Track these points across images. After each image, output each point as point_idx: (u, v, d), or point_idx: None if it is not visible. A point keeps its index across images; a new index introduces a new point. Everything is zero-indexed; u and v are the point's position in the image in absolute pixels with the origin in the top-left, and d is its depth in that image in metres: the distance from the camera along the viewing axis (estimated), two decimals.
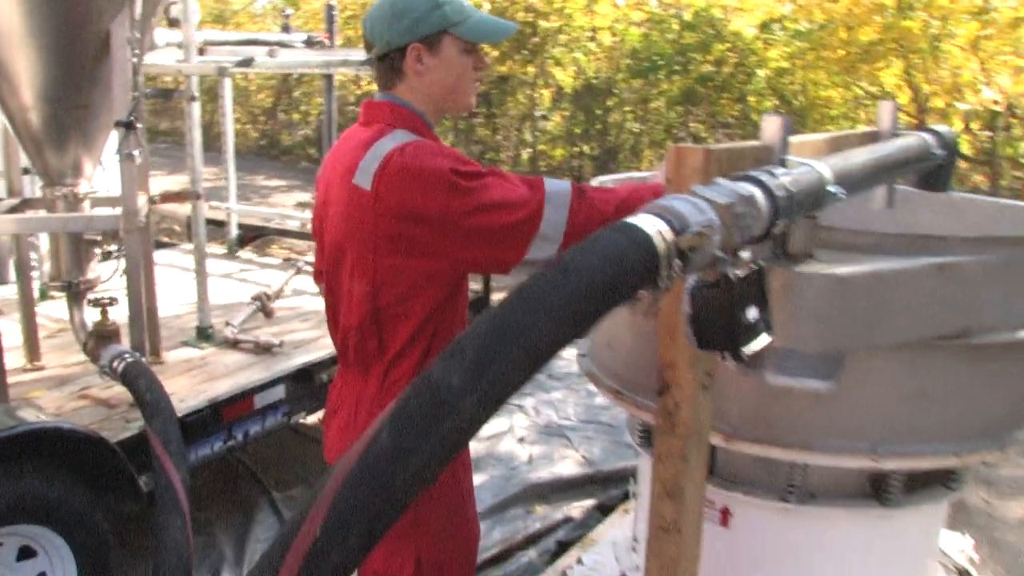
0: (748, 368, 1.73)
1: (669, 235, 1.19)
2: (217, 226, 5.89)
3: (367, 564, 2.08)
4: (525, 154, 15.85)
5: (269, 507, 3.98)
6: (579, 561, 2.60)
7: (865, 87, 12.88)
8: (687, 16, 13.81)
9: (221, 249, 5.89)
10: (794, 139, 2.11)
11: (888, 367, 1.91)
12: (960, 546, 2.74)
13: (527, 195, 1.91)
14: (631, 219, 1.19)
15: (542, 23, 14.47)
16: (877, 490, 2.18)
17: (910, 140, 2.15)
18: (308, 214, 6.20)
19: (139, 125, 3.01)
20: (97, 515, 2.78)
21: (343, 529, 0.94)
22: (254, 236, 6.08)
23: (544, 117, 15.92)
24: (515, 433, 4.79)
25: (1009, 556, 4.10)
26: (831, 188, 1.61)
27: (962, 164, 12.42)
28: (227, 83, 5.19)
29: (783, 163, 1.66)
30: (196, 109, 4.07)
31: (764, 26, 13.35)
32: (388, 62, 2.05)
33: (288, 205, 11.55)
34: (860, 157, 1.81)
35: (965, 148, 12.51)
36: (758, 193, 1.39)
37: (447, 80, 2.04)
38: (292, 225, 6.18)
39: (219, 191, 5.90)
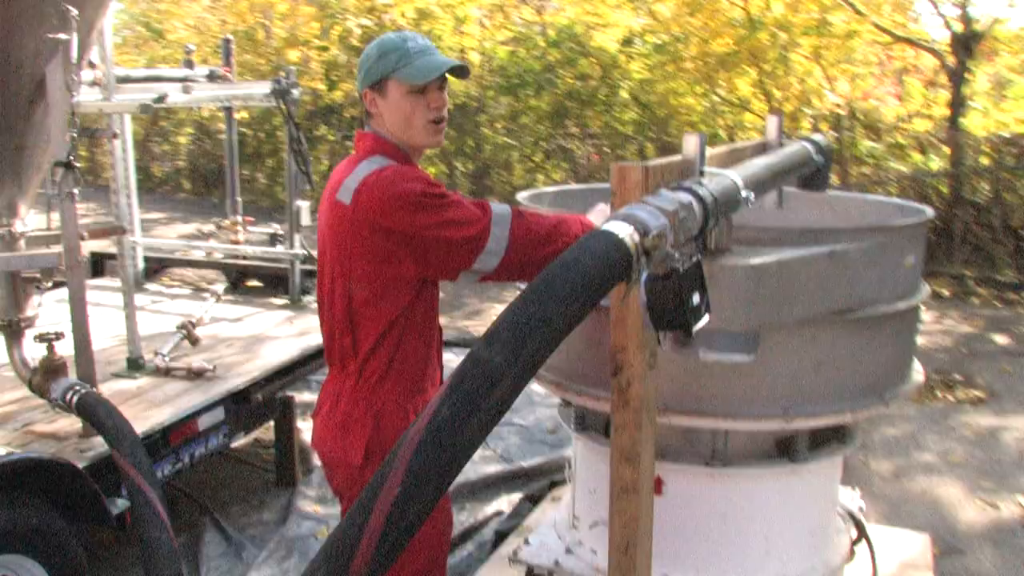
0: (684, 347, 2.05)
1: (636, 238, 1.48)
2: (113, 259, 5.90)
3: None
4: None
5: (215, 528, 4.09)
6: (526, 542, 2.86)
7: (722, 95, 13.67)
8: (551, 34, 14.31)
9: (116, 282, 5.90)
10: (711, 150, 2.45)
11: (795, 340, 2.25)
12: (850, 497, 3.13)
13: (478, 215, 2.21)
14: (607, 226, 1.47)
15: None
16: (786, 450, 2.53)
17: (795, 148, 2.52)
18: (212, 243, 6.28)
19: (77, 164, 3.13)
20: (71, 540, 2.89)
21: (419, 486, 1.18)
22: (159, 267, 6.12)
23: None
24: None
25: (886, 505, 4.60)
26: (743, 193, 1.94)
27: None
28: (127, 118, 5.24)
29: (702, 174, 1.99)
30: (119, 146, 4.14)
31: (626, 41, 13.97)
32: (362, 104, 2.40)
33: (172, 237, 11.39)
34: (762, 165, 2.15)
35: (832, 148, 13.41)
36: (693, 200, 1.70)
37: (398, 120, 2.34)
38: (198, 255, 6.26)
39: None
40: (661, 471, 2.56)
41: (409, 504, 1.18)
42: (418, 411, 2.36)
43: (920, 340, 7.61)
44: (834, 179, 11.95)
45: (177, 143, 19.95)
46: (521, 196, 2.97)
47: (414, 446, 1.21)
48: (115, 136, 4.19)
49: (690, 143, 1.97)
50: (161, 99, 4.66)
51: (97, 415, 2.94)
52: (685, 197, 1.67)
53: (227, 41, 6.08)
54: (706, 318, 1.72)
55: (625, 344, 1.89)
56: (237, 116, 6.21)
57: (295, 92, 4.98)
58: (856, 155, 12.23)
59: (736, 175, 1.95)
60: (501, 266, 2.23)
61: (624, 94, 14.08)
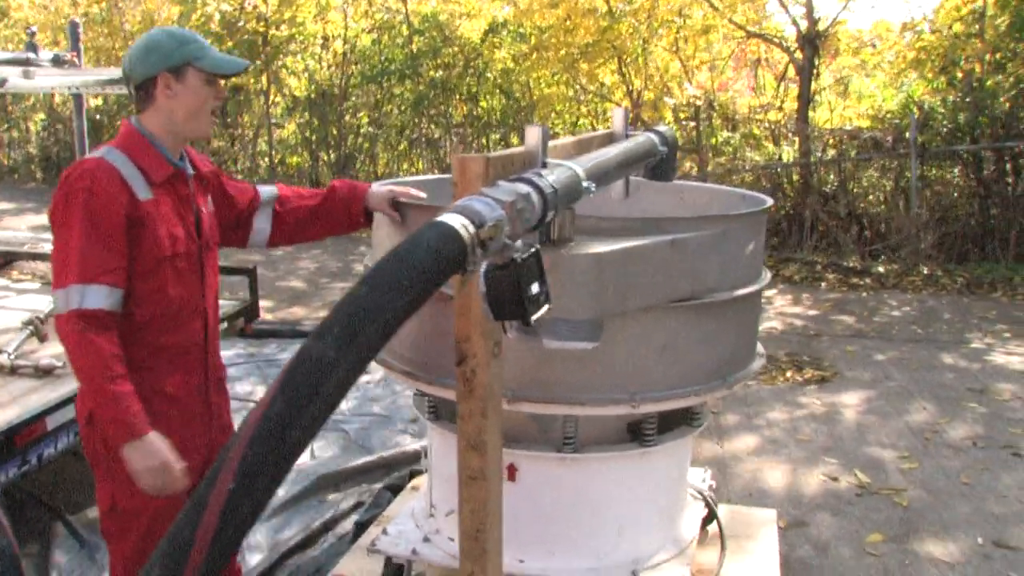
0: (528, 335, 2.06)
1: (472, 228, 1.47)
2: None
3: None
4: (263, 163, 15.66)
5: (67, 530, 3.89)
6: (384, 532, 2.84)
7: (584, 84, 13.89)
8: (415, 22, 14.23)
9: None
10: (558, 141, 2.48)
11: (639, 327, 2.30)
12: (701, 477, 3.24)
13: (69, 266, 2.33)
14: (441, 217, 1.46)
15: (273, 32, 14.37)
16: (636, 434, 2.59)
17: (640, 139, 2.57)
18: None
19: None
20: None
21: (251, 483, 1.15)
22: (5, 261, 5.79)
23: (278, 125, 15.83)
24: None
25: (738, 483, 4.78)
26: (585, 184, 1.96)
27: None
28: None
29: (544, 165, 2.00)
30: None
31: (490, 30, 14.02)
32: (142, 91, 2.44)
33: (22, 228, 10.78)
34: (606, 157, 2.18)
35: (679, 137, 13.81)
36: (532, 191, 1.71)
37: (191, 105, 2.44)
38: (47, 248, 5.94)
39: None
40: (514, 458, 2.58)
41: (243, 500, 1.15)
42: None
43: (773, 324, 8.02)
44: (693, 168, 12.33)
45: (27, 130, 18.94)
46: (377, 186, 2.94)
47: (246, 441, 1.18)
48: None
49: (532, 135, 1.98)
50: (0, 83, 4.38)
51: None
52: (523, 188, 1.68)
53: (74, 24, 5.77)
54: (545, 308, 1.74)
55: (469, 333, 1.89)
56: (95, 102, 5.91)
57: None
58: (714, 144, 12.63)
59: (578, 166, 1.98)
60: None
61: (485, 84, 14.13)
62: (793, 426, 5.66)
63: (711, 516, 3.02)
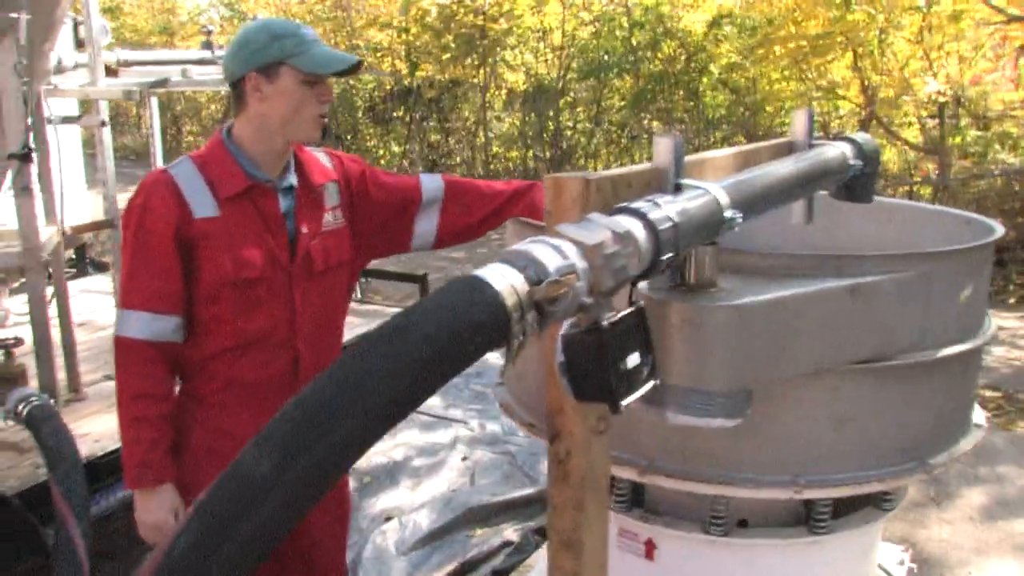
0: (651, 406, 1.63)
1: (523, 286, 1.08)
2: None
3: None
4: (479, 157, 15.73)
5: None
6: None
7: (815, 79, 12.91)
8: (636, 14, 13.77)
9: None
10: (704, 155, 2.02)
11: (807, 394, 1.81)
12: (898, 559, 2.66)
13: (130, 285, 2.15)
14: (481, 271, 1.08)
15: (491, 26, 14.36)
16: (807, 516, 2.08)
17: (825, 151, 2.06)
18: None
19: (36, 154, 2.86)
20: None
21: None
22: None
23: (498, 118, 15.83)
24: (458, 450, 4.65)
25: (953, 558, 4.04)
26: (728, 213, 1.51)
27: (912, 153, 12.51)
28: (153, 102, 5.01)
29: (678, 187, 1.56)
30: (107, 135, 3.89)
31: (714, 22, 13.34)
32: (235, 93, 2.18)
33: None
34: (765, 175, 1.71)
35: (915, 137, 12.60)
36: (637, 227, 1.29)
37: (284, 110, 2.14)
38: None
39: None
40: (653, 533, 2.16)
41: None
42: None
43: (1018, 354, 6.95)
44: (932, 171, 11.17)
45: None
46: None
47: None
48: (103, 124, 3.93)
49: (662, 147, 1.55)
50: (161, 83, 4.39)
51: (41, 432, 2.68)
52: (622, 224, 1.26)
53: (208, 32, 5.73)
54: (649, 386, 1.31)
55: (562, 405, 1.48)
56: None
57: None
58: (958, 144, 11.37)
59: (720, 190, 1.52)
60: None
61: (707, 80, 13.47)
62: None
63: None
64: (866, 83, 12.29)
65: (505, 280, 1.06)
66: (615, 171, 1.48)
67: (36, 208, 2.94)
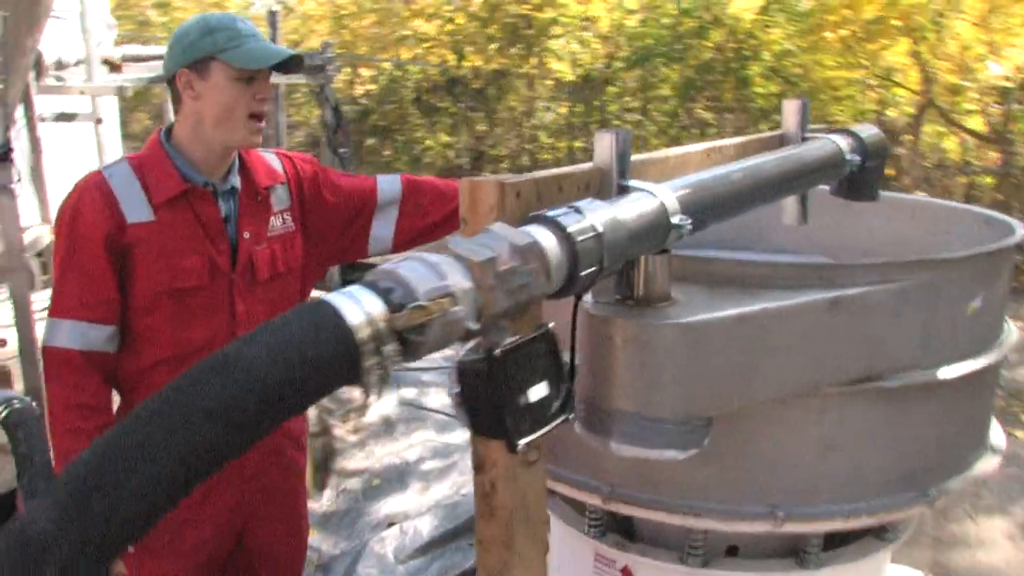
0: (594, 434, 1.46)
1: (382, 314, 0.92)
2: None
3: None
4: (526, 147, 15.54)
5: None
6: None
7: (869, 66, 12.45)
8: (684, 1, 13.45)
9: None
10: (678, 150, 1.84)
11: (786, 417, 1.62)
12: None
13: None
14: (332, 296, 0.92)
15: (536, 15, 14.14)
16: (795, 548, 1.90)
17: (815, 146, 1.86)
18: None
19: (15, 155, 2.78)
20: None
21: None
22: None
23: (548, 108, 15.60)
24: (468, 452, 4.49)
25: None
26: (676, 219, 1.33)
27: (973, 142, 12.01)
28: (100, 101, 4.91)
29: (625, 189, 1.39)
30: (115, 131, 3.82)
31: (763, 8, 12.96)
32: (171, 90, 2.05)
33: None
34: (724, 177, 1.52)
35: (977, 125, 12.08)
36: (548, 239, 1.12)
37: (216, 109, 1.99)
38: None
39: None
40: (629, 560, 1.98)
41: None
42: None
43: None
44: (992, 162, 10.69)
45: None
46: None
47: None
48: (99, 121, 3.86)
49: (602, 143, 1.38)
50: (160, 79, 4.29)
51: (15, 437, 2.60)
52: (526, 236, 1.09)
53: (272, 14, 5.66)
54: (559, 421, 1.14)
55: None
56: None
57: (330, 70, 4.49)
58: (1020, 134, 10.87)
59: (669, 192, 1.35)
60: None
61: (758, 68, 13.08)
62: None
63: None
64: (924, 69, 11.82)
65: (360, 308, 0.91)
66: (545, 172, 1.31)
67: (18, 208, 2.87)
